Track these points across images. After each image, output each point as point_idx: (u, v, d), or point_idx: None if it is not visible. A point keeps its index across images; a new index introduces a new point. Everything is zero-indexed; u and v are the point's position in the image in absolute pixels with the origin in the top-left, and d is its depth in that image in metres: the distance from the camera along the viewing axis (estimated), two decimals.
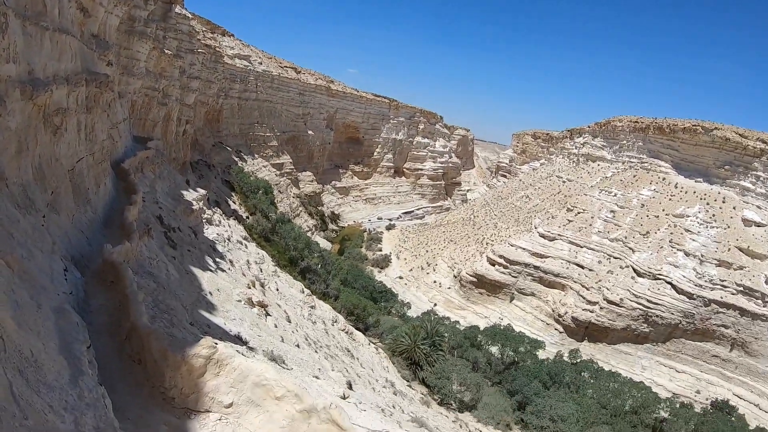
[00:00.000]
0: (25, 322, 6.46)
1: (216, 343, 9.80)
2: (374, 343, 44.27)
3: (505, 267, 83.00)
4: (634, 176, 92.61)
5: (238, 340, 18.68)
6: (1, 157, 11.87)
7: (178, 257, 25.23)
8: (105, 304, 12.25)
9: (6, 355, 5.16)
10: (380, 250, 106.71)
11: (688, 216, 77.51)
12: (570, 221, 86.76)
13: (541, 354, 56.98)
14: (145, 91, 48.28)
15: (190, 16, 66.92)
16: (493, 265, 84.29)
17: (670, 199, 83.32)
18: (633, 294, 69.55)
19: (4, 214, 9.96)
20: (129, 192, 25.39)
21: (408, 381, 38.53)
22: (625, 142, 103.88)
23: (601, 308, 70.43)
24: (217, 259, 32.82)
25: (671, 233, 76.25)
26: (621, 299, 69.41)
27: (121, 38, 40.33)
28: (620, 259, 77.29)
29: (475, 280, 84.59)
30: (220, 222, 46.94)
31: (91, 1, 23.32)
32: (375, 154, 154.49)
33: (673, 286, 69.03)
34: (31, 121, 14.03)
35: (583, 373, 51.97)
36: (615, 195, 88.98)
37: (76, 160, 17.85)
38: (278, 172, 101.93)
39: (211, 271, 28.06)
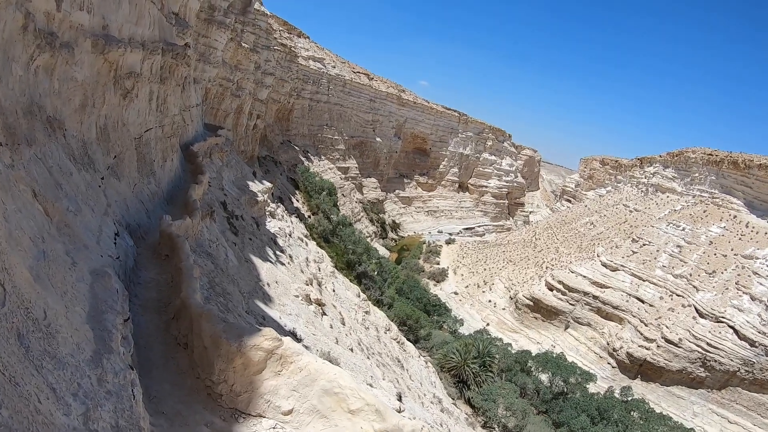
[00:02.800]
0: (48, 277, 5.10)
1: (280, 337, 8.20)
2: (424, 356, 42.88)
3: (563, 293, 79.50)
4: (704, 211, 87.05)
5: (292, 336, 17.28)
6: (63, 108, 10.90)
7: (239, 244, 24.24)
8: (156, 279, 11.02)
9: (3, 311, 3.73)
10: (438, 264, 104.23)
11: (758, 258, 71.58)
12: (634, 252, 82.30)
13: (592, 387, 54.27)
14: (219, 81, 48.47)
15: (268, 13, 67.51)
16: (551, 290, 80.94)
17: (740, 239, 77.49)
18: (693, 335, 64.64)
19: (55, 163, 8.83)
20: (196, 174, 24.68)
21: (453, 399, 36.71)
22: (697, 174, 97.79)
23: (658, 347, 65.93)
24: (278, 252, 31.81)
25: (738, 275, 70.55)
26: (680, 339, 64.67)
27: (200, 26, 40.47)
28: (683, 296, 72.32)
29: (531, 303, 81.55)
30: (282, 217, 46.24)
31: None
32: (441, 166, 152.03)
33: (736, 331, 63.51)
34: (100, 78, 13.13)
35: (633, 413, 49.02)
36: (683, 229, 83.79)
37: (144, 130, 17.00)
38: (343, 176, 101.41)
39: (270, 262, 26.95)
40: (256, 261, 24.63)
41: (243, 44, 54.06)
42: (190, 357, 8.68)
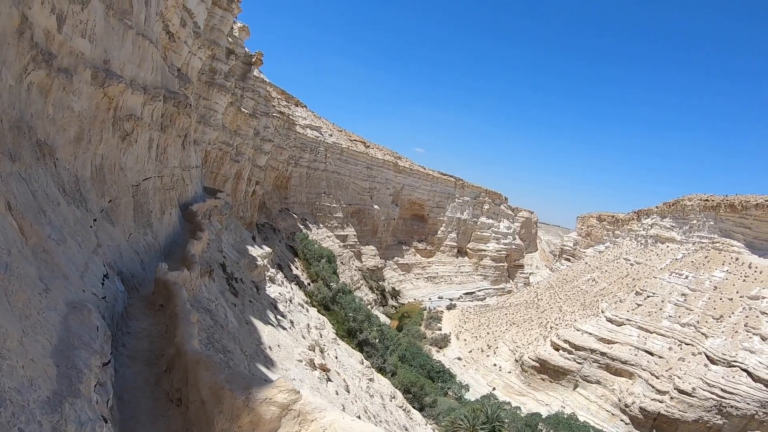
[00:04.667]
0: (5, 292, 3.81)
1: (298, 389, 6.67)
2: (430, 424, 40.67)
3: (570, 352, 78.15)
4: (706, 257, 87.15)
5: None
6: (57, 136, 9.81)
7: (239, 305, 22.67)
8: (148, 329, 9.58)
9: None
10: (440, 330, 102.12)
11: (764, 297, 71.63)
12: (639, 305, 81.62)
13: None
14: (219, 145, 48.13)
15: (267, 81, 68.60)
16: (557, 350, 79.52)
17: (744, 281, 77.44)
18: (706, 383, 63.49)
19: (41, 188, 7.63)
20: (194, 233, 23.53)
21: None
22: (695, 221, 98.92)
23: (671, 398, 64.54)
24: (279, 317, 30.13)
25: (746, 316, 70.30)
26: (693, 389, 63.41)
27: (201, 87, 40.45)
28: (692, 345, 71.48)
29: (537, 365, 79.88)
30: (282, 282, 44.69)
31: (178, 28, 22.51)
32: (439, 232, 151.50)
33: (749, 374, 62.67)
34: (99, 114, 12.16)
35: None
36: (686, 277, 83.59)
37: (142, 178, 15.93)
38: (342, 244, 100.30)
39: (272, 326, 25.29)
40: (257, 324, 23.01)
41: (243, 109, 54.26)
42: (185, 415, 7.13)
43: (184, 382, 7.27)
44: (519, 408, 67.62)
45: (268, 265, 43.01)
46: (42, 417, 3.11)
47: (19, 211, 5.66)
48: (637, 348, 74.58)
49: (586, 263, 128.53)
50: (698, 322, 73.82)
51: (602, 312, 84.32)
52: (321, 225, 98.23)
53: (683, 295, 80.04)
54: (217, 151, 48.02)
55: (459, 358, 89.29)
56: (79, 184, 10.61)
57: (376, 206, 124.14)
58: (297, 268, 69.76)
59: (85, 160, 11.31)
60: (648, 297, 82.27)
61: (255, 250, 41.99)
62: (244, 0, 55.82)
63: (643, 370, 71.25)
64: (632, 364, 72.82)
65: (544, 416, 57.54)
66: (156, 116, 16.81)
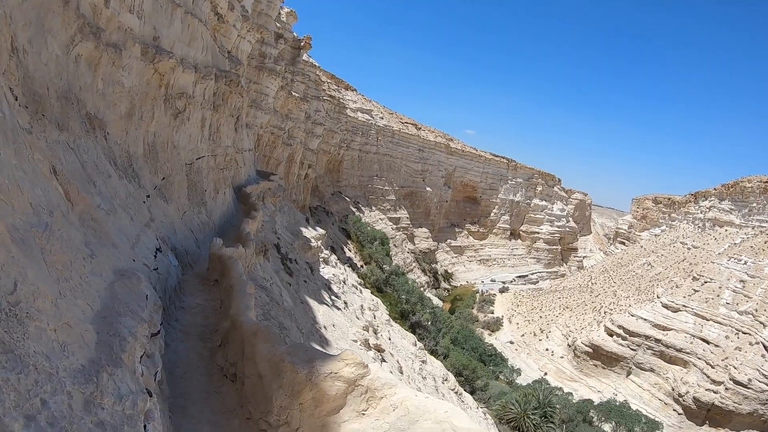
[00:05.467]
0: (41, 250, 3.55)
1: (366, 363, 6.12)
2: (481, 408, 40.29)
3: (624, 338, 76.14)
4: (766, 242, 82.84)
5: None
6: (107, 111, 9.75)
7: (293, 285, 22.71)
8: (202, 305, 9.44)
9: None
10: (492, 313, 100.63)
11: None
12: (696, 291, 78.46)
13: None
14: (271, 129, 48.51)
15: (316, 65, 68.58)
16: (611, 335, 77.53)
17: None
18: (763, 374, 60.64)
19: (91, 160, 7.52)
20: (249, 213, 23.67)
21: None
22: (755, 204, 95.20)
23: (726, 389, 61.86)
24: (333, 297, 30.15)
25: None
26: (749, 380, 60.56)
27: (251, 72, 40.67)
28: (750, 334, 68.19)
29: (590, 350, 78.15)
30: (336, 264, 44.84)
31: (226, 11, 22.41)
32: (491, 214, 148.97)
33: None
34: (150, 90, 12.11)
35: None
36: (745, 263, 79.96)
37: (196, 157, 15.94)
38: (394, 226, 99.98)
39: (327, 306, 25.26)
40: (312, 303, 22.99)
41: (293, 93, 54.45)
42: (240, 391, 6.75)
43: (240, 355, 6.90)
44: (571, 394, 66.36)
45: (322, 247, 43.22)
46: (73, 387, 2.80)
47: (66, 177, 5.49)
48: (693, 336, 72.22)
49: (642, 247, 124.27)
50: (756, 310, 70.85)
51: (658, 297, 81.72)
52: (373, 208, 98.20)
53: (741, 281, 76.83)
54: (269, 135, 48.43)
55: (511, 342, 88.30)
56: (131, 160, 10.58)
57: (428, 188, 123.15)
58: (350, 251, 70.09)
59: (137, 137, 11.29)
60: (705, 283, 79.22)
61: (308, 232, 42.23)
62: None
63: (699, 358, 69.05)
64: (687, 353, 70.60)
65: (596, 403, 56.32)
66: (208, 95, 16.77)
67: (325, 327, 21.10)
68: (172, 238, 11.72)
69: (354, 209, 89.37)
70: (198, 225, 15.11)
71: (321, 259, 40.36)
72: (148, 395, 3.55)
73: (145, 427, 3.27)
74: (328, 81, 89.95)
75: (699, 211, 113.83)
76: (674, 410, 65.57)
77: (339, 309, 28.44)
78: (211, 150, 17.53)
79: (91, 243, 5.01)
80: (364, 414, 5.74)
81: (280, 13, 48.48)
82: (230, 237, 17.72)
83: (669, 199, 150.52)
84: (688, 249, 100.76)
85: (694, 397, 63.65)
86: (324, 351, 14.16)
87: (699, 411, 62.99)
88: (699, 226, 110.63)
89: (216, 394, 6.74)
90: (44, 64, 6.71)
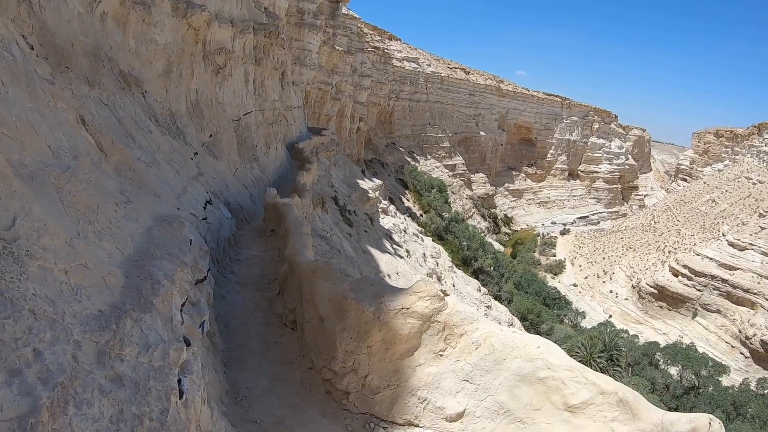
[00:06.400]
0: (57, 189, 3.26)
1: (443, 295, 5.35)
2: None
3: (690, 279, 73.43)
4: None
5: None
6: (143, 69, 9.52)
7: (354, 235, 22.67)
8: (260, 256, 9.30)
9: None
10: (554, 256, 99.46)
11: None
12: (763, 228, 74.40)
13: (725, 380, 49.19)
14: (318, 85, 48.02)
15: (357, 17, 66.92)
16: (676, 275, 74.92)
17: None
18: None
19: (128, 115, 7.32)
20: (303, 167, 23.57)
21: None
22: None
23: None
24: (395, 246, 30.07)
25: None
26: None
27: (291, 30, 40.02)
28: None
29: (655, 291, 76.01)
30: (395, 214, 44.76)
31: None
32: (548, 155, 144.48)
33: None
34: (186, 47, 11.83)
35: None
36: None
37: (243, 113, 15.75)
38: (451, 173, 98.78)
39: (389, 254, 25.21)
40: (374, 252, 22.94)
41: (336, 47, 53.50)
42: (301, 339, 6.25)
43: (299, 299, 6.35)
44: (636, 336, 64.68)
45: (380, 197, 43.10)
46: (83, 335, 2.44)
47: (97, 128, 5.26)
48: (761, 276, 68.71)
49: (705, 183, 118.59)
50: None
51: (723, 235, 78.10)
52: (428, 156, 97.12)
53: None
54: (316, 91, 48.02)
55: (574, 285, 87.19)
56: (174, 118, 10.43)
57: (482, 133, 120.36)
58: (408, 200, 69.90)
59: (178, 95, 11.11)
60: None
61: (365, 184, 42.09)
62: None
63: (766, 299, 65.78)
64: (755, 293, 67.44)
65: (661, 345, 54.89)
66: (248, 49, 16.43)
67: (388, 275, 21.02)
68: (225, 193, 11.64)
69: (409, 159, 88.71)
70: (252, 180, 15.05)
71: (380, 210, 40.30)
72: (185, 344, 3.23)
73: (180, 381, 2.95)
74: (371, 32, 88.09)
75: (764, 144, 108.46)
76: (741, 353, 63.36)
77: (401, 257, 28.36)
78: (258, 105, 17.31)
79: (128, 191, 4.78)
80: (442, 355, 5.10)
81: None
82: (286, 190, 17.64)
83: (731, 132, 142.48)
84: (754, 184, 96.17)
85: (762, 340, 60.99)
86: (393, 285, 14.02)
87: (767, 354, 60.47)
88: (764, 160, 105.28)
89: (275, 344, 6.45)
90: (66, 21, 6.47)
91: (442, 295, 5.27)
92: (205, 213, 7.97)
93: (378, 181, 45.21)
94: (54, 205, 3.02)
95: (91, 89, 6.30)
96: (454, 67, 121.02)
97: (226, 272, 7.89)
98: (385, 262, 22.47)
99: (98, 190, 3.97)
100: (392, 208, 46.01)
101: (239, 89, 15.58)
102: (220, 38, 14.24)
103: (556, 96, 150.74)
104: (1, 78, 3.24)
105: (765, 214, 77.37)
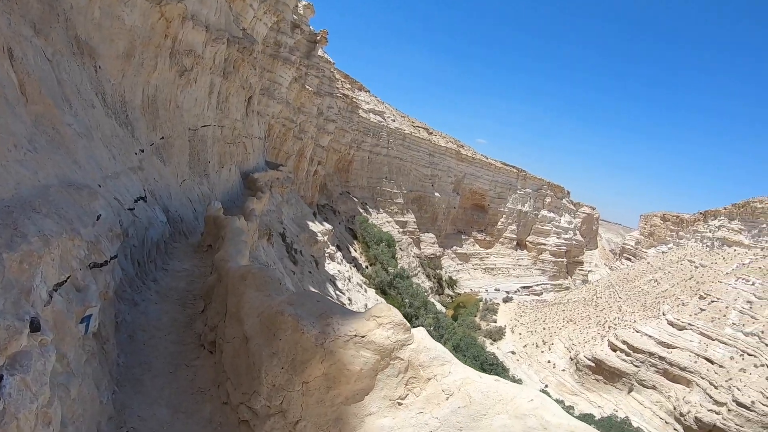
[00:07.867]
0: None
1: (408, 325, 4.08)
2: None
3: (628, 354, 75.23)
4: None
5: None
6: (102, 44, 8.54)
7: (297, 274, 21.48)
8: (190, 270, 8.19)
9: None
10: (495, 322, 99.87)
11: None
12: (702, 310, 77.71)
13: None
14: (283, 121, 47.39)
15: (332, 61, 67.55)
16: (615, 350, 76.69)
17: None
18: (766, 397, 59.32)
19: (70, 79, 6.31)
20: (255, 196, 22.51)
21: None
22: (765, 225, 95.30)
23: (729, 411, 60.57)
24: (338, 292, 28.96)
25: None
26: (752, 402, 59.17)
27: (265, 60, 39.62)
28: (755, 356, 67.16)
29: (592, 364, 77.35)
30: (341, 261, 43.73)
31: None
32: (499, 223, 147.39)
33: None
34: (154, 36, 10.93)
35: None
36: (753, 284, 79.32)
37: (201, 124, 14.76)
38: (401, 230, 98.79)
39: (332, 299, 24.02)
40: None
41: (307, 86, 53.40)
42: (218, 364, 4.98)
43: (222, 314, 5.11)
44: (572, 408, 65.52)
45: (329, 242, 42.07)
46: None
47: (25, 70, 4.29)
48: (698, 355, 71.27)
49: (648, 263, 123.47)
50: (763, 332, 70.02)
51: (663, 314, 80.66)
52: (381, 210, 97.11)
53: (749, 302, 76.17)
54: (280, 127, 47.31)
55: (513, 352, 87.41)
56: (126, 107, 9.40)
57: (437, 194, 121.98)
58: (355, 251, 68.98)
59: (135, 84, 10.12)
60: (712, 302, 78.59)
61: (316, 227, 41.08)
62: None
63: (702, 378, 67.99)
64: (691, 372, 69.53)
65: (596, 418, 55.31)
66: (219, 60, 15.62)
67: None
68: (166, 200, 10.51)
69: (362, 210, 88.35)
70: (198, 196, 13.92)
71: (327, 255, 39.24)
72: (28, 327, 2.19)
73: (0, 378, 1.97)
74: (342, 79, 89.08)
75: (708, 230, 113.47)
76: (675, 429, 64.59)
77: (343, 304, 27.28)
78: (219, 120, 16.35)
79: (39, 145, 3.79)
80: (401, 403, 3.77)
81: (297, 6, 47.48)
82: (233, 214, 16.55)
83: (677, 217, 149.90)
84: (696, 267, 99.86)
85: (695, 417, 62.58)
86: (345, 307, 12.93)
87: (701, 431, 61.96)
88: (707, 245, 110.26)
89: (187, 367, 5.23)
90: None
91: (408, 325, 4.03)
92: (135, 206, 6.89)
93: (328, 226, 44.36)
94: None
95: (36, 36, 5.33)
96: (418, 126, 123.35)
97: (147, 279, 6.78)
98: None
99: None
100: (339, 255, 45.01)
101: (201, 98, 14.65)
102: (191, 40, 13.40)
103: (513, 167, 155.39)
104: None
105: (705, 296, 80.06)
